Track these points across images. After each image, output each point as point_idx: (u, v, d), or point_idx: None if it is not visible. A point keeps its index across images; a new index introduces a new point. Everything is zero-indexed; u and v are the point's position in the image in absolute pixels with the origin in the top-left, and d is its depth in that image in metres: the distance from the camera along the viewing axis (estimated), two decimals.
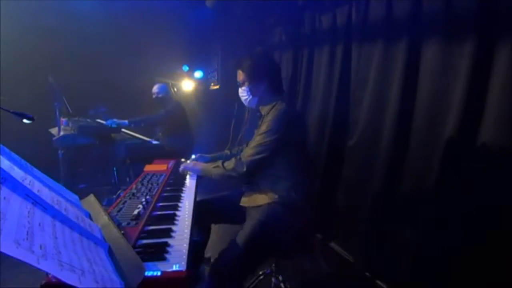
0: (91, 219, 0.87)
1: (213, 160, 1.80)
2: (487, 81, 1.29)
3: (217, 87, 4.31)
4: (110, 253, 0.73)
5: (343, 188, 2.23)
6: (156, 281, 0.74)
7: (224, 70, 4.21)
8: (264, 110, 1.44)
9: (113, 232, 0.84)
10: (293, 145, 1.37)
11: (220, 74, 4.27)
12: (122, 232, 0.86)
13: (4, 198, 0.56)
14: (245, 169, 1.35)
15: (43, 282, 0.64)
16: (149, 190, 1.34)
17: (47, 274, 0.62)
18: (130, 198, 1.25)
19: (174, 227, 1.03)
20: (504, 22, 1.24)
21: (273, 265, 1.60)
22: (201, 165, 1.62)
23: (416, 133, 1.63)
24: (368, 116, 1.96)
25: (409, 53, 1.65)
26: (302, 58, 2.69)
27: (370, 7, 1.93)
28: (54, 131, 3.21)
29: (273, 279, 1.60)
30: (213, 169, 1.49)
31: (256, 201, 1.41)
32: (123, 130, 3.30)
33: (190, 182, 1.58)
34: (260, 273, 1.66)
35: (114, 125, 3.09)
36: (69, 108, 3.33)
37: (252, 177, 1.41)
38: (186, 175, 1.69)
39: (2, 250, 0.45)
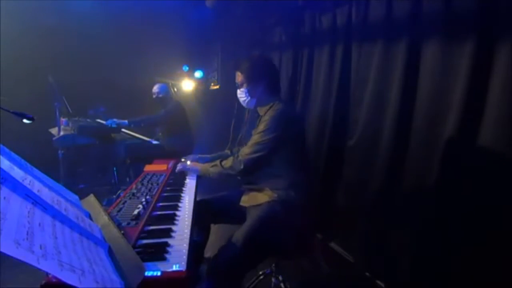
0: (91, 219, 0.87)
1: (212, 160, 1.80)
2: (487, 81, 1.29)
3: (217, 87, 4.31)
4: (110, 253, 0.73)
5: (343, 188, 2.23)
6: (156, 281, 0.74)
7: (224, 70, 4.21)
8: (262, 110, 1.46)
9: (113, 232, 0.84)
10: (291, 144, 1.38)
11: (220, 74, 4.27)
12: (122, 232, 0.86)
13: (4, 198, 0.56)
14: (242, 167, 1.36)
15: (43, 282, 0.64)
16: (149, 190, 1.34)
17: (47, 274, 0.62)
18: (130, 198, 1.25)
19: (174, 227, 1.03)
20: (504, 22, 1.24)
21: (273, 265, 1.60)
22: (199, 165, 1.63)
23: (416, 133, 1.63)
24: (368, 116, 1.96)
25: (409, 53, 1.65)
26: (302, 58, 2.69)
27: (370, 7, 1.93)
28: (54, 131, 3.21)
29: (273, 279, 1.60)
30: (211, 168, 1.49)
31: (256, 200, 1.42)
32: (123, 130, 3.30)
33: (190, 182, 1.58)
34: (260, 273, 1.66)
35: (114, 125, 3.09)
36: (69, 108, 3.34)
37: (250, 175, 1.41)
38: (186, 175, 1.69)
39: (2, 250, 0.45)
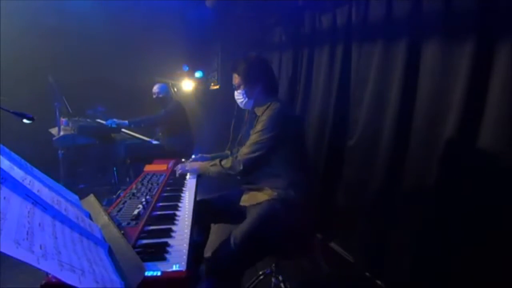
0: (91, 219, 0.87)
1: (212, 160, 1.80)
2: (487, 81, 1.29)
3: (217, 87, 4.31)
4: (110, 253, 0.73)
5: (343, 188, 2.23)
6: (156, 281, 0.74)
7: (224, 70, 4.21)
8: (259, 110, 1.47)
9: (113, 232, 0.84)
10: (289, 143, 1.39)
11: (220, 74, 4.27)
12: (122, 232, 0.86)
13: (4, 198, 0.56)
14: (241, 167, 1.36)
15: (43, 282, 0.64)
16: (149, 190, 1.34)
17: (47, 274, 0.62)
18: (130, 198, 1.24)
19: (174, 227, 1.03)
20: (504, 22, 1.24)
21: (273, 265, 1.60)
22: (198, 164, 1.63)
23: (416, 133, 1.63)
24: (368, 116, 1.96)
25: (409, 53, 1.65)
26: (302, 58, 2.69)
27: (370, 7, 1.93)
28: (54, 131, 3.21)
29: (273, 279, 1.60)
30: (210, 167, 1.50)
31: (256, 199, 1.42)
32: (123, 130, 3.30)
33: (190, 182, 1.58)
34: (260, 273, 1.66)
35: (114, 125, 3.09)
36: (69, 108, 3.34)
37: (249, 175, 1.42)
38: (186, 175, 1.69)
39: (2, 250, 0.45)
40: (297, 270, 1.92)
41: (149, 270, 0.75)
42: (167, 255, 0.84)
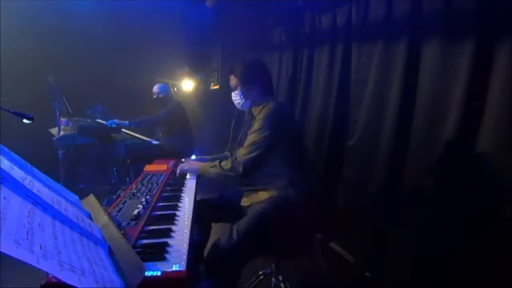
0: (91, 219, 0.87)
1: (212, 161, 1.80)
2: (487, 81, 1.29)
3: (217, 87, 4.31)
4: (110, 253, 0.73)
5: (343, 188, 2.23)
6: (156, 281, 0.74)
7: (224, 70, 4.21)
8: (256, 110, 1.50)
9: (113, 232, 0.84)
10: (287, 142, 1.40)
11: (220, 74, 4.27)
12: (122, 232, 0.86)
13: (4, 198, 0.56)
14: (242, 169, 1.37)
15: (43, 282, 0.64)
16: (149, 190, 1.34)
17: (47, 274, 0.62)
18: (130, 198, 1.24)
19: (174, 227, 1.03)
20: (504, 22, 1.24)
21: (273, 265, 1.60)
22: (198, 165, 1.63)
23: (416, 133, 1.63)
24: (368, 116, 1.96)
25: (409, 53, 1.65)
26: (302, 58, 2.69)
27: (370, 7, 1.93)
28: (54, 131, 3.22)
29: (273, 279, 1.60)
30: (210, 168, 1.50)
31: (257, 198, 1.43)
32: (123, 130, 3.30)
33: (190, 182, 1.58)
34: (260, 273, 1.66)
35: (114, 125, 3.09)
36: (69, 108, 3.34)
37: (250, 176, 1.42)
38: (186, 175, 1.69)
39: (2, 250, 0.45)
40: (297, 270, 1.92)
41: (149, 270, 0.75)
42: (167, 255, 0.84)
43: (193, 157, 1.97)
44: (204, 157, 1.86)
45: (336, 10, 2.23)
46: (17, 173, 0.69)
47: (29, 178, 0.72)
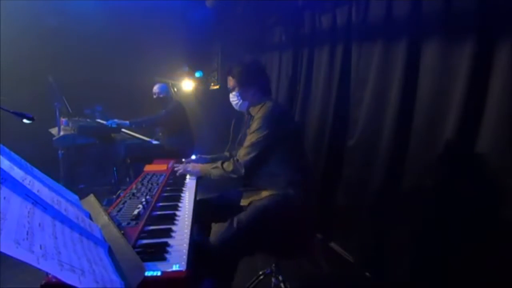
0: (91, 219, 0.87)
1: (212, 161, 1.80)
2: (487, 81, 1.29)
3: (217, 87, 4.31)
4: (110, 253, 0.73)
5: (343, 188, 2.23)
6: (156, 281, 0.74)
7: (224, 70, 4.21)
8: (254, 111, 1.52)
9: (113, 232, 0.84)
10: (286, 141, 1.41)
11: (220, 74, 4.27)
12: (122, 232, 0.86)
13: (4, 198, 0.56)
14: (243, 171, 1.38)
15: (43, 282, 0.64)
16: (149, 190, 1.34)
17: (47, 274, 0.62)
18: (130, 198, 1.25)
19: (174, 227, 1.03)
20: (504, 22, 1.24)
21: (273, 265, 1.60)
22: (200, 166, 1.63)
23: (416, 133, 1.63)
24: (368, 116, 1.96)
25: (409, 53, 1.65)
26: (302, 58, 2.69)
27: (370, 7, 1.93)
28: (54, 131, 3.21)
29: (273, 279, 1.60)
30: (212, 170, 1.50)
31: (256, 197, 1.43)
32: (123, 130, 3.29)
33: (190, 182, 1.58)
34: (260, 273, 1.66)
35: (114, 125, 3.09)
36: (69, 108, 3.34)
37: (252, 176, 1.42)
38: (186, 175, 1.69)
39: (2, 250, 0.45)
40: (297, 270, 1.92)
41: (149, 270, 0.75)
42: (167, 255, 0.84)
43: (193, 157, 1.97)
44: (203, 156, 1.86)
45: (336, 10, 2.23)
46: (17, 173, 0.69)
47: (29, 178, 0.72)
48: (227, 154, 1.83)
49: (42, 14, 3.52)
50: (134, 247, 0.86)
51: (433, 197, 1.51)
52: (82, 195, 1.05)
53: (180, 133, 3.17)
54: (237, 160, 1.41)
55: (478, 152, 1.33)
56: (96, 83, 3.78)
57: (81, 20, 3.67)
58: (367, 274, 1.93)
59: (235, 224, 1.27)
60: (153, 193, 1.31)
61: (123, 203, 1.18)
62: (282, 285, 1.56)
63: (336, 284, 1.96)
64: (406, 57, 1.67)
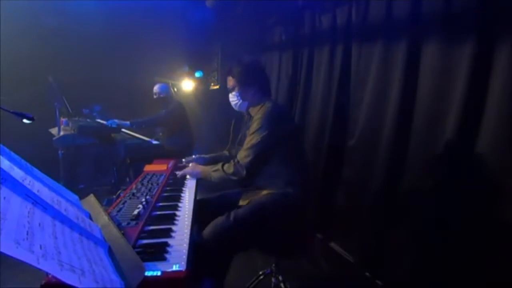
0: (91, 219, 0.87)
1: (211, 160, 1.81)
2: (487, 81, 1.29)
3: (217, 87, 4.31)
4: (110, 253, 0.73)
5: (343, 188, 2.23)
6: (156, 281, 0.74)
7: (224, 70, 4.20)
8: (253, 111, 1.52)
9: (113, 232, 0.84)
10: (285, 141, 1.42)
11: (220, 74, 4.27)
12: (122, 232, 0.86)
13: (4, 198, 0.56)
14: (245, 172, 1.38)
15: (43, 282, 0.64)
16: (149, 190, 1.34)
17: (47, 274, 0.62)
18: (130, 198, 1.25)
19: (174, 227, 1.03)
20: (504, 22, 1.24)
21: (273, 265, 1.60)
22: (200, 168, 1.63)
23: (416, 133, 1.63)
24: (368, 116, 1.96)
25: (409, 53, 1.65)
26: (302, 58, 2.69)
27: (370, 7, 1.93)
28: (54, 131, 3.21)
29: (273, 279, 1.60)
30: (213, 172, 1.50)
31: (256, 197, 1.42)
32: (123, 130, 3.29)
33: (190, 182, 1.58)
34: (260, 273, 1.66)
35: (114, 125, 3.08)
36: (69, 108, 3.33)
37: (253, 177, 1.42)
38: (186, 175, 1.69)
39: (2, 250, 0.45)
40: (297, 270, 1.92)
41: (149, 270, 0.75)
42: (167, 255, 0.84)
43: (193, 156, 1.97)
44: (202, 156, 1.86)
45: (336, 10, 2.23)
46: (17, 173, 0.69)
47: (29, 178, 0.72)
48: (226, 153, 1.83)
49: (42, 14, 3.52)
50: (134, 247, 0.86)
51: (433, 197, 1.51)
52: (82, 195, 1.05)
53: (180, 133, 3.17)
54: (238, 162, 1.41)
55: (478, 152, 1.33)
56: (96, 83, 3.78)
57: (81, 20, 3.67)
58: (367, 274, 1.93)
59: (231, 218, 1.27)
60: (153, 193, 1.31)
61: (123, 203, 1.18)
62: (282, 285, 1.56)
63: (336, 284, 1.96)
64: (406, 57, 1.67)
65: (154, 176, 1.59)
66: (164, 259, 0.83)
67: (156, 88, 3.21)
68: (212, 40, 4.29)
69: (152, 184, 1.45)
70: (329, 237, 2.36)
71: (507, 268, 1.21)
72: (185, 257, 0.84)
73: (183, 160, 1.93)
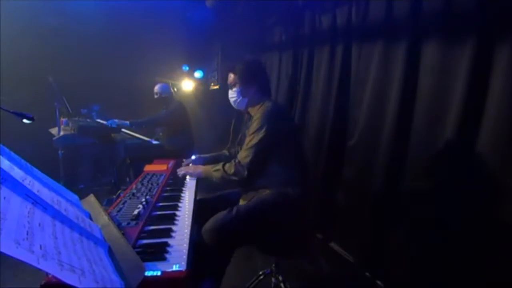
0: (91, 219, 0.87)
1: (211, 159, 1.81)
2: (487, 81, 1.29)
3: (217, 87, 4.31)
4: (110, 253, 0.73)
5: (343, 188, 2.23)
6: (156, 281, 0.74)
7: (224, 70, 4.20)
8: (253, 111, 1.53)
9: (113, 232, 0.84)
10: (285, 141, 1.42)
11: (220, 74, 4.27)
12: (122, 232, 0.86)
13: (4, 198, 0.56)
14: (246, 172, 1.39)
15: (43, 282, 0.64)
16: (149, 190, 1.34)
17: (47, 274, 0.62)
18: (130, 198, 1.25)
19: (174, 227, 1.03)
20: (504, 22, 1.24)
21: (273, 265, 1.60)
22: (201, 168, 1.63)
23: (416, 133, 1.63)
24: (368, 116, 1.96)
25: (409, 53, 1.65)
26: (302, 58, 2.69)
27: (370, 7, 1.93)
28: (54, 131, 3.21)
29: (273, 279, 1.60)
30: (214, 172, 1.50)
31: (257, 195, 1.42)
32: (123, 130, 3.29)
33: (190, 182, 1.58)
34: (260, 273, 1.66)
35: (114, 125, 3.08)
36: (69, 108, 3.33)
37: (254, 177, 1.42)
38: (186, 175, 1.69)
39: (2, 250, 0.45)
40: (297, 270, 1.92)
41: (149, 270, 0.75)
42: (167, 255, 0.84)
43: (193, 157, 1.97)
44: (202, 156, 1.86)
45: (336, 10, 2.23)
46: (17, 173, 0.69)
47: (29, 178, 0.72)
48: (226, 152, 1.83)
49: (42, 14, 3.51)
50: (134, 247, 0.86)
51: (433, 197, 1.51)
52: (82, 195, 1.05)
53: (181, 133, 3.17)
54: (239, 162, 1.41)
55: (478, 152, 1.33)
56: (96, 83, 3.78)
57: (81, 20, 3.67)
58: (367, 274, 1.93)
59: (234, 212, 1.28)
60: (153, 193, 1.31)
61: (123, 203, 1.18)
62: (282, 285, 1.56)
63: (336, 284, 1.96)
64: (406, 57, 1.67)
65: (154, 176, 1.60)
66: (164, 259, 0.83)
67: (157, 88, 3.21)
68: (212, 40, 4.29)
69: (152, 184, 1.45)
70: (329, 237, 2.36)
71: (507, 268, 1.21)
72: (185, 257, 0.84)
73: (183, 160, 1.93)
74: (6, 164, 0.68)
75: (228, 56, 4.04)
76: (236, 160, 1.43)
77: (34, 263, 0.48)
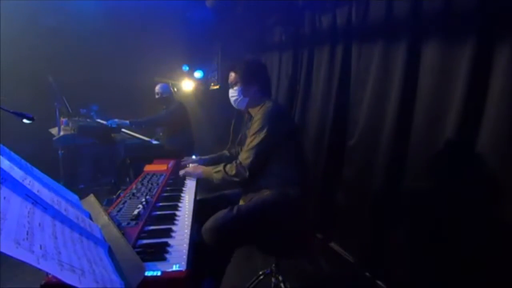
0: (91, 219, 0.87)
1: (211, 160, 1.81)
2: (487, 81, 1.29)
3: (217, 87, 4.31)
4: (110, 253, 0.73)
5: (343, 188, 2.23)
6: (156, 281, 0.74)
7: (224, 70, 4.20)
8: (253, 111, 1.53)
9: (113, 232, 0.84)
10: (285, 141, 1.42)
11: (220, 74, 4.27)
12: (122, 232, 0.86)
13: (4, 198, 0.56)
14: (248, 174, 1.39)
15: (43, 282, 0.64)
16: (149, 190, 1.34)
17: (47, 274, 0.62)
18: (130, 198, 1.25)
19: (174, 227, 1.03)
20: (504, 22, 1.24)
21: (273, 265, 1.60)
22: (202, 169, 1.63)
23: (416, 133, 1.63)
24: (368, 116, 1.96)
25: (409, 53, 1.65)
26: (302, 58, 2.69)
27: (370, 7, 1.93)
28: (54, 131, 3.22)
29: (273, 279, 1.60)
30: (215, 173, 1.50)
31: (257, 195, 1.42)
32: (123, 130, 3.29)
33: (190, 182, 1.58)
34: (260, 273, 1.66)
35: (114, 125, 3.08)
36: (69, 108, 3.33)
37: (255, 178, 1.42)
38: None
39: (2, 250, 0.45)
40: (297, 270, 1.92)
41: (149, 270, 0.75)
42: (167, 255, 0.84)
43: (193, 157, 1.97)
44: (203, 157, 1.86)
45: (336, 10, 2.23)
46: (17, 173, 0.69)
47: (29, 178, 0.72)
48: (226, 152, 1.83)
49: (41, 14, 3.52)
50: (134, 247, 0.86)
51: (433, 197, 1.51)
52: (82, 195, 1.05)
53: (181, 133, 3.17)
54: (240, 163, 1.41)
55: (478, 152, 1.33)
56: (96, 83, 3.78)
57: (80, 20, 3.67)
58: (367, 274, 1.93)
59: (234, 211, 1.28)
60: (153, 193, 1.31)
61: (123, 203, 1.18)
62: (282, 285, 1.56)
63: (336, 284, 1.96)
64: (406, 57, 1.67)
65: (154, 176, 1.59)
66: (164, 259, 0.83)
67: (158, 88, 3.20)
68: (212, 40, 4.29)
69: (152, 184, 1.45)
70: (329, 237, 2.36)
71: (507, 268, 1.21)
72: (185, 257, 0.84)
73: (183, 159, 1.93)
74: (6, 164, 0.68)
75: (228, 56, 4.04)
76: (237, 161, 1.43)
77: (34, 263, 0.48)
